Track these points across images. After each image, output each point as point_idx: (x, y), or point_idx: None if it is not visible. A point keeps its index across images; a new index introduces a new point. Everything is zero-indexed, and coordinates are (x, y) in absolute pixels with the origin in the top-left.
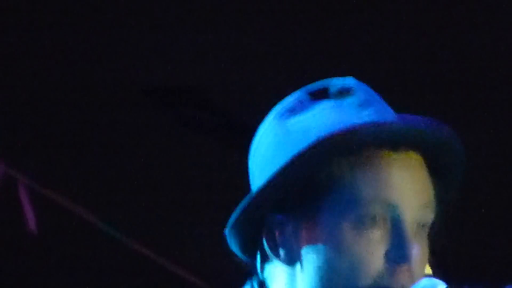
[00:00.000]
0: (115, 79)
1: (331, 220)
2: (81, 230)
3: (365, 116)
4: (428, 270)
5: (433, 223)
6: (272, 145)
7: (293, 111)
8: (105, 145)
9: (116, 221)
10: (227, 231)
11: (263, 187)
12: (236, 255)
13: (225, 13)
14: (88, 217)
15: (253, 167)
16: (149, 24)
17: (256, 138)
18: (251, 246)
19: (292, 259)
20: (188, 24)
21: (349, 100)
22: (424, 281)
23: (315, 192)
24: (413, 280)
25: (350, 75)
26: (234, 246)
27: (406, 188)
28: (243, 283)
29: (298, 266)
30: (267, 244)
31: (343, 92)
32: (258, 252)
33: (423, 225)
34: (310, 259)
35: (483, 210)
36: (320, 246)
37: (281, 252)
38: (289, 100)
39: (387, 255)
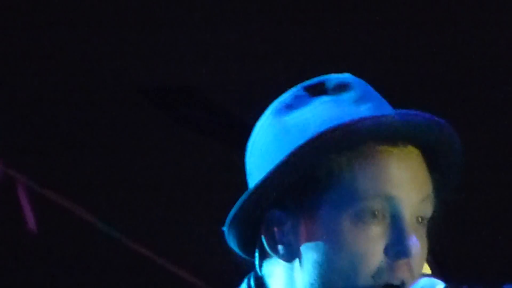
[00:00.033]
0: (114, 78)
1: (330, 215)
2: (80, 230)
3: (363, 111)
4: (427, 269)
5: (432, 217)
6: (270, 141)
7: (290, 107)
8: (104, 145)
9: (115, 221)
10: (225, 228)
11: (261, 183)
12: (234, 253)
13: (225, 13)
14: (87, 216)
15: (250, 164)
16: (148, 24)
17: (252, 135)
18: (250, 243)
19: (291, 255)
20: (188, 24)
21: (346, 95)
22: (423, 281)
23: (314, 187)
24: (413, 275)
25: (349, 73)
26: (232, 243)
27: (405, 182)
28: (241, 282)
29: (297, 262)
30: (266, 240)
31: (341, 88)
32: (257, 249)
33: (422, 219)
34: (309, 255)
35: (481, 210)
36: (319, 241)
37: (280, 249)
38: (286, 96)
39: (387, 250)
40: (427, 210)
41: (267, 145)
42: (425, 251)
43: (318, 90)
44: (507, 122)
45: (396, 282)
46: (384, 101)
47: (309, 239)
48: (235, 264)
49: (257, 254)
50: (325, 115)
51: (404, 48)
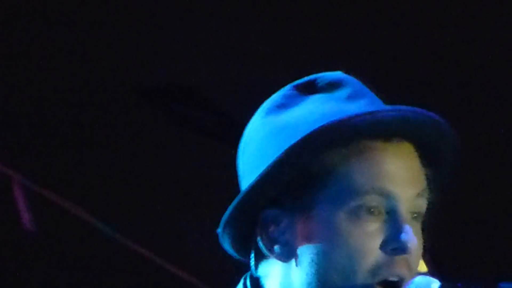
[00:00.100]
0: (112, 78)
1: (326, 212)
2: (77, 229)
3: (356, 108)
4: (422, 267)
5: (426, 214)
6: (263, 141)
7: (282, 106)
8: (103, 144)
9: (114, 221)
10: (220, 230)
11: (256, 182)
12: (229, 254)
13: (224, 13)
14: (84, 216)
15: (243, 165)
16: (147, 23)
17: (244, 136)
18: (245, 244)
19: (287, 254)
20: (188, 23)
21: (338, 93)
22: (419, 279)
23: (310, 185)
24: (411, 271)
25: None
26: (226, 245)
27: (400, 178)
28: (237, 282)
29: (293, 261)
30: (262, 240)
31: (333, 85)
32: (252, 250)
33: (417, 214)
34: (306, 252)
35: (477, 208)
36: (316, 239)
37: (276, 248)
38: (277, 96)
39: (384, 246)
40: (422, 205)
41: (260, 145)
42: (421, 246)
43: (309, 89)
44: (507, 122)
45: (394, 278)
46: (376, 97)
47: (305, 237)
48: (233, 264)
49: (252, 255)
50: (318, 113)
51: (404, 48)
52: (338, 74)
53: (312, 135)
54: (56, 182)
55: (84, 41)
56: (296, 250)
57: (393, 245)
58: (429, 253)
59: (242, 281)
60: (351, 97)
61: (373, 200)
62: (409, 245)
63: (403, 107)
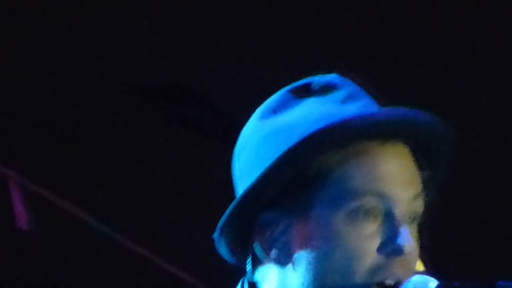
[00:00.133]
0: (112, 78)
1: (323, 215)
2: (76, 229)
3: (351, 110)
4: (420, 267)
5: (422, 215)
6: (259, 145)
7: (277, 110)
8: (101, 144)
9: (113, 220)
10: (216, 235)
11: (254, 185)
12: (224, 260)
13: (224, 13)
14: (82, 215)
15: (239, 169)
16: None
17: (239, 141)
18: (241, 249)
19: (284, 258)
20: (187, 23)
21: (333, 96)
22: (416, 278)
23: (306, 188)
24: (408, 273)
25: (344, 74)
26: (223, 250)
27: (397, 180)
28: (235, 285)
29: (290, 264)
30: (259, 244)
31: (327, 88)
32: (249, 255)
33: (414, 216)
34: (304, 255)
35: (474, 207)
36: (313, 241)
37: (273, 252)
38: (271, 101)
39: (381, 248)
40: (419, 207)
41: (256, 148)
42: (418, 247)
43: (304, 92)
44: (507, 122)
45: (391, 280)
46: (372, 99)
47: (303, 240)
48: (233, 265)
49: (249, 260)
50: (313, 116)
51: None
52: (333, 77)
53: (310, 138)
54: (55, 181)
55: (84, 41)
56: (293, 253)
57: (390, 247)
58: (427, 253)
59: (239, 285)
60: (346, 100)
61: (370, 202)
62: (405, 247)
63: (400, 109)
